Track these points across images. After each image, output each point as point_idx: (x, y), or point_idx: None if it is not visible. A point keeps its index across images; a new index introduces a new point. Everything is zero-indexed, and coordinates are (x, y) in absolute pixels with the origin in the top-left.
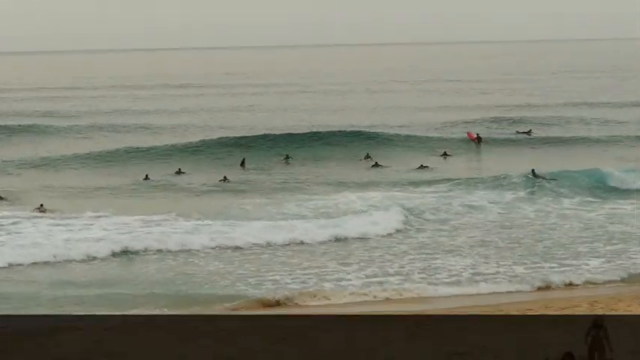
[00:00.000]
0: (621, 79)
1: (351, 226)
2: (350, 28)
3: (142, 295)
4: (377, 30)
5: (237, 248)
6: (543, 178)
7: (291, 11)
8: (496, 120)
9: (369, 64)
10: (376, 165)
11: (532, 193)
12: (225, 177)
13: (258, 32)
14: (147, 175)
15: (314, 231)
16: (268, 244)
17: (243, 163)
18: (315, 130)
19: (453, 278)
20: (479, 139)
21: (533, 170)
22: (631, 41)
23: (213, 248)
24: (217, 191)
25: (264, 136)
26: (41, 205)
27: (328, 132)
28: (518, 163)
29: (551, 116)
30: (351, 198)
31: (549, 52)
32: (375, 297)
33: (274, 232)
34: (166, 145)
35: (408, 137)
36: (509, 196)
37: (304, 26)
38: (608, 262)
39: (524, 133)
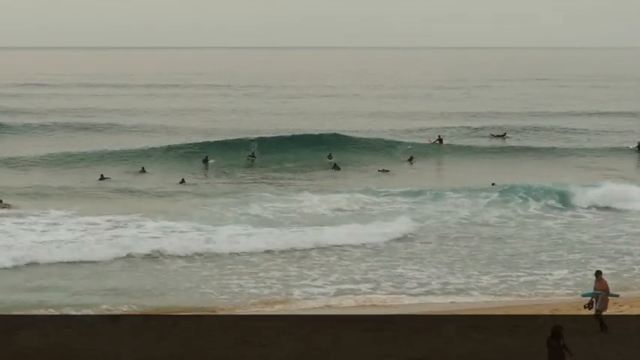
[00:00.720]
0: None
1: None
2: (315, 31)
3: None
4: (342, 33)
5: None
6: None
7: (265, 13)
8: (464, 127)
9: (335, 66)
10: (336, 167)
11: (490, 205)
12: (182, 179)
13: (229, 33)
14: (102, 175)
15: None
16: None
17: (205, 161)
18: (278, 133)
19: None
20: (440, 140)
21: (493, 184)
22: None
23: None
24: (180, 191)
25: (223, 142)
26: (0, 201)
27: (292, 135)
28: (479, 170)
29: (519, 125)
30: (313, 201)
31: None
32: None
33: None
34: (127, 148)
35: (373, 141)
36: (467, 208)
37: (272, 28)
38: (572, 272)
39: (498, 136)
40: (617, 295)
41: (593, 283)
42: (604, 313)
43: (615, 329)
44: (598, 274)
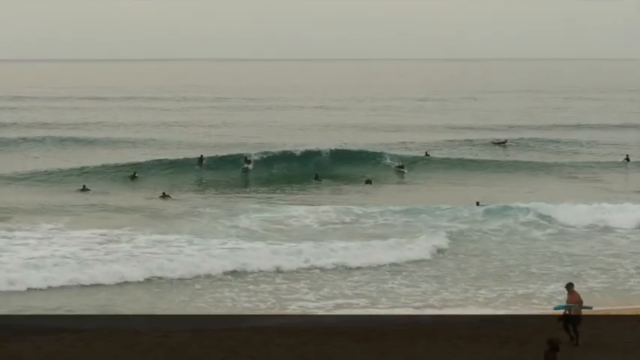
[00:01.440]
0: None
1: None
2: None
3: None
4: (340, 44)
5: None
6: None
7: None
8: (451, 140)
9: (330, 79)
10: (317, 179)
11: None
12: (164, 193)
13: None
14: (84, 186)
15: None
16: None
17: (201, 161)
18: (267, 147)
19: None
20: (426, 154)
21: (477, 202)
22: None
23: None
24: (170, 205)
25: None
26: None
27: (281, 151)
28: (467, 183)
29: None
30: (301, 212)
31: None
32: None
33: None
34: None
35: (361, 153)
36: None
37: (269, 40)
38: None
39: (500, 143)
40: (590, 307)
41: (566, 296)
42: (579, 324)
43: (602, 336)
44: (570, 286)
